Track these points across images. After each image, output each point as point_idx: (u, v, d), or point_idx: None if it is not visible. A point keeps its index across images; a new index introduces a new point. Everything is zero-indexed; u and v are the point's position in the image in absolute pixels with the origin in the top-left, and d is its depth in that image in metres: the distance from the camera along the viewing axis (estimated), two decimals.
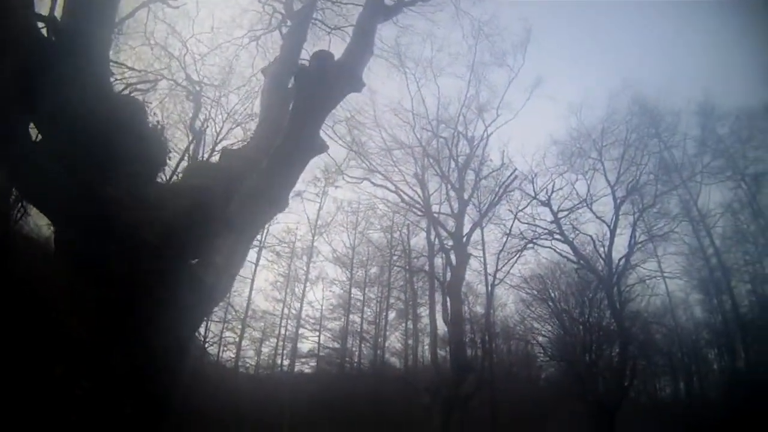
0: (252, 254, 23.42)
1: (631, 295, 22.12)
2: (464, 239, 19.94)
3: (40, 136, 4.27)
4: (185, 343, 4.63)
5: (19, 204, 14.81)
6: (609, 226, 21.22)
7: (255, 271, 23.26)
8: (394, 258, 22.59)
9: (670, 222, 22.30)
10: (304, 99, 5.98)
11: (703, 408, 24.91)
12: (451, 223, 20.48)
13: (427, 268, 21.15)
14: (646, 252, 22.52)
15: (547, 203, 21.08)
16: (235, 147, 12.62)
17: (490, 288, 20.72)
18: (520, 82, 20.01)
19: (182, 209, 4.70)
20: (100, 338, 3.75)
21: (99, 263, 4.00)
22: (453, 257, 19.72)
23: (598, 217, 21.21)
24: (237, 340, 23.45)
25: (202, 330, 24.95)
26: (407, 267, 21.96)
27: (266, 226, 23.32)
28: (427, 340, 22.00)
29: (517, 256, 20.88)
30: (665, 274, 22.81)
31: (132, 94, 14.81)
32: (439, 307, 20.58)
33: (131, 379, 3.77)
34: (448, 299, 19.61)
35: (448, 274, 20.08)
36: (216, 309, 24.87)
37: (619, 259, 21.06)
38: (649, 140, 22.46)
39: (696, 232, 23.54)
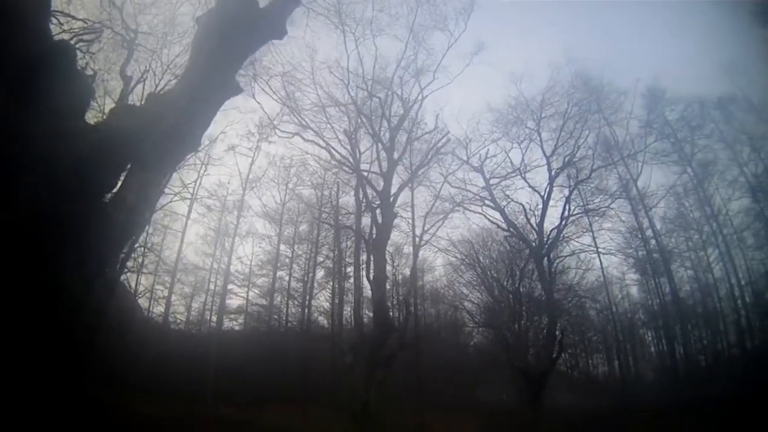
0: (183, 207, 23.36)
1: (563, 268, 22.01)
2: (392, 198, 19.86)
3: None
4: (95, 277, 4.73)
5: None
6: (542, 197, 21.10)
7: (186, 224, 23.16)
8: (324, 215, 22.53)
9: (606, 198, 22.17)
10: (225, 42, 6.30)
11: (637, 389, 24.87)
12: (381, 184, 20.36)
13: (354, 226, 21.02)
14: (580, 226, 22.42)
15: (479, 169, 20.98)
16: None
17: (416, 249, 20.63)
18: (460, 47, 19.89)
19: (95, 146, 4.94)
20: (12, 271, 3.90)
21: (15, 196, 4.15)
22: (379, 216, 19.63)
23: (531, 187, 21.09)
24: (167, 294, 23.35)
25: (132, 283, 24.92)
26: (335, 224, 21.85)
27: (199, 178, 23.33)
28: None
29: (444, 217, 20.80)
30: (599, 250, 22.67)
31: (78, 44, 15.22)
32: (365, 267, 20.41)
33: (39, 311, 3.94)
34: (372, 257, 19.51)
35: (374, 233, 19.95)
36: (147, 262, 24.88)
37: (551, 230, 20.95)
38: (590, 115, 22.24)
39: (635, 212, 23.46)
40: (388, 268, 22.32)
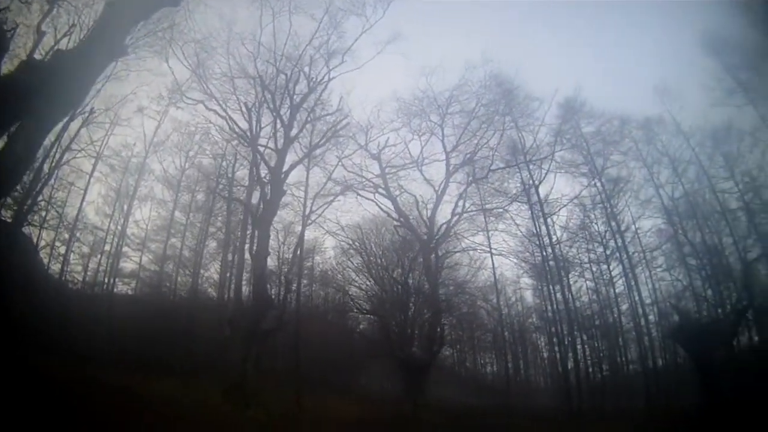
0: (87, 165, 23.25)
1: (453, 263, 22.25)
2: (282, 176, 20.00)
3: None
4: None
5: None
6: (436, 191, 21.37)
7: (89, 182, 23.03)
8: (220, 187, 22.61)
9: (505, 200, 22.46)
10: (122, 4, 6.66)
11: (526, 392, 25.16)
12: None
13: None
14: (474, 224, 22.65)
15: (376, 156, 21.17)
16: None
17: (303, 228, 20.74)
18: (374, 34, 20.11)
19: None
20: None
21: None
22: (269, 192, 19.75)
23: (426, 180, 21.33)
24: (65, 251, 23.24)
25: (34, 238, 24.75)
26: (227, 197, 21.96)
27: (106, 137, 23.29)
28: (245, 274, 21.86)
29: (332, 200, 20.94)
30: (492, 250, 22.90)
31: None
32: (249, 241, 20.42)
33: None
34: (256, 232, 19.61)
35: (262, 208, 20.05)
36: (49, 217, 24.72)
37: (441, 225, 21.19)
38: (499, 117, 22.58)
39: (534, 217, 23.67)
40: (279, 246, 22.50)
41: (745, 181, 21.71)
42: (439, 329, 21.24)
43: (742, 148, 21.72)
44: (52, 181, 23.96)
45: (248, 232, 19.90)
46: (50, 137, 21.74)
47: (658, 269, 25.58)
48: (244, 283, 21.49)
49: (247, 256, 20.25)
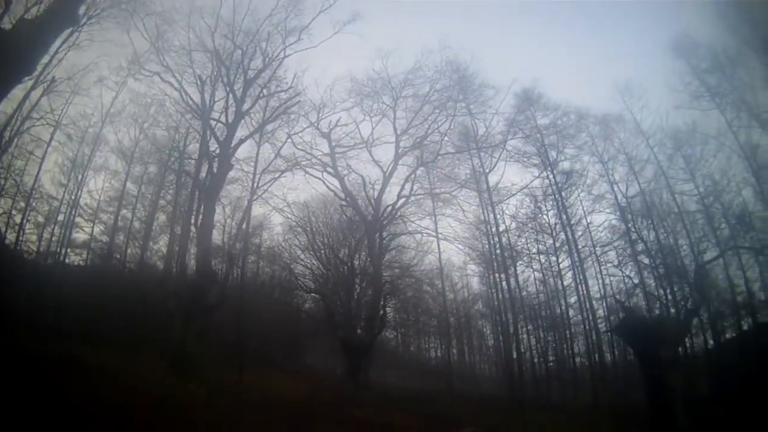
0: (46, 134, 23.47)
1: (398, 245, 22.57)
2: (231, 149, 20.33)
3: None
4: None
5: None
6: (384, 173, 21.75)
7: (46, 150, 23.21)
8: (171, 160, 22.89)
9: (454, 186, 22.81)
10: None
11: (470, 379, 25.50)
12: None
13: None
14: (422, 209, 23.01)
15: (326, 135, 21.53)
16: None
17: (249, 203, 21.03)
18: (333, 13, 20.23)
19: None
20: None
21: None
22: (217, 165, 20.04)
23: (374, 160, 21.71)
24: (20, 220, 23.40)
25: None
26: (178, 169, 22.24)
27: (66, 106, 23.51)
28: (192, 248, 22.11)
29: (279, 176, 21.25)
30: (439, 235, 23.23)
31: None
32: (195, 214, 20.63)
33: None
34: (201, 205, 19.88)
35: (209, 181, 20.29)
36: (8, 186, 24.88)
37: (387, 206, 21.55)
38: (452, 103, 22.88)
39: (483, 204, 23.99)
40: (225, 220, 22.83)
41: (707, 185, 21.81)
42: (381, 311, 21.58)
43: (705, 152, 21.78)
44: (12, 148, 24.14)
45: (195, 205, 20.13)
46: (11, 105, 22.12)
47: (609, 265, 25.75)
48: (191, 256, 21.81)
49: (193, 230, 20.52)
